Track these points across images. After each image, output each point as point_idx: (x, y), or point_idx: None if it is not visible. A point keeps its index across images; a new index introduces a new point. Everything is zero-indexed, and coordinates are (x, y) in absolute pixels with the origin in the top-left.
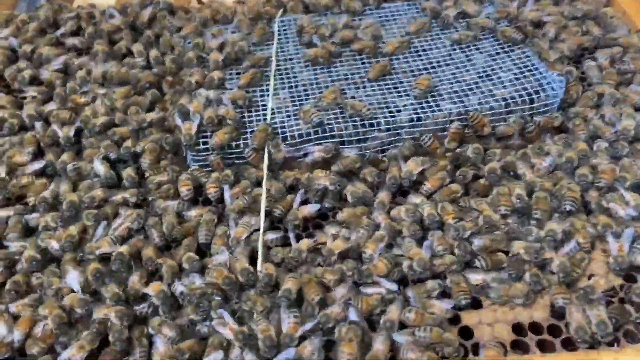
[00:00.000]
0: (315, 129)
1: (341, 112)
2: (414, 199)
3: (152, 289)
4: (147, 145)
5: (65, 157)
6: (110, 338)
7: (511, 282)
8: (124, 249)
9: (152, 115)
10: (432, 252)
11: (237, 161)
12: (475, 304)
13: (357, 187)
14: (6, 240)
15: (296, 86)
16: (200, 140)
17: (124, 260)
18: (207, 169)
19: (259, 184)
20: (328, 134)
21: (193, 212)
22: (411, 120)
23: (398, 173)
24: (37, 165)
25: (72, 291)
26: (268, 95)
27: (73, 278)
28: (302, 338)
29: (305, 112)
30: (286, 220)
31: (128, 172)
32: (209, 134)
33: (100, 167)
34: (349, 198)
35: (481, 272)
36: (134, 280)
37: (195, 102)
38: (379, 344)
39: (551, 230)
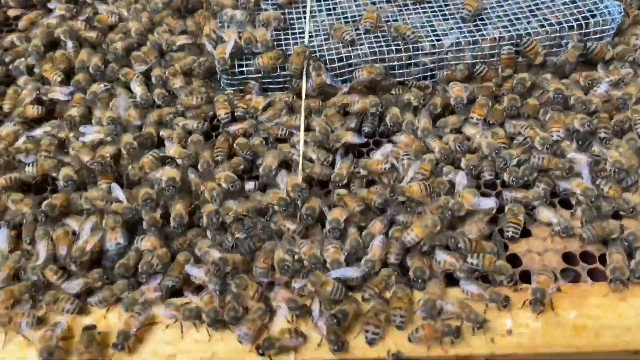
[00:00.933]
0: (356, 53)
1: (383, 36)
2: (468, 129)
3: (205, 209)
4: (169, 71)
5: (95, 87)
6: (140, 268)
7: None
8: (174, 173)
9: (182, 38)
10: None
11: (272, 86)
12: (525, 233)
13: (400, 113)
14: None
15: (334, 8)
16: (236, 63)
17: (176, 186)
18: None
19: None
20: (370, 57)
21: (233, 127)
22: (458, 44)
23: (441, 100)
24: (60, 94)
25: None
26: (305, 17)
27: (117, 189)
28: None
29: (336, 29)
30: (328, 142)
31: (159, 91)
32: (244, 57)
33: (137, 88)
34: (388, 122)
35: (552, 210)
36: (179, 207)
37: (228, 30)
38: None
39: (617, 162)
